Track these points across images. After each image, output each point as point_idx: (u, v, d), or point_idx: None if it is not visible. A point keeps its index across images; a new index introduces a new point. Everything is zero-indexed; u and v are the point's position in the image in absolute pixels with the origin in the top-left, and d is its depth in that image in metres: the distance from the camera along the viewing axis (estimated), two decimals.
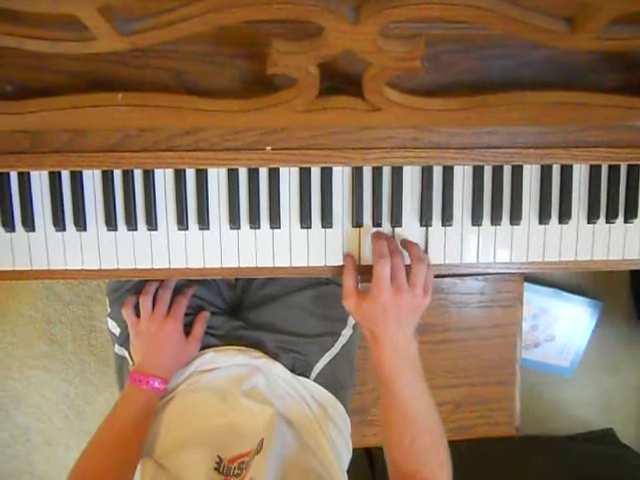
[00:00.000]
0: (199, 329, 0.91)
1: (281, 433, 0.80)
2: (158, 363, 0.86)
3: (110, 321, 0.98)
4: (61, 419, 1.68)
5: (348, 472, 0.91)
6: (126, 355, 0.95)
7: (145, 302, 0.88)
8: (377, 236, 0.76)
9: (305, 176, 0.77)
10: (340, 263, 0.80)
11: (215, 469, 0.76)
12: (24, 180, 0.76)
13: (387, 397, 0.74)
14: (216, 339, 0.93)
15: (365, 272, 0.77)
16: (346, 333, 0.97)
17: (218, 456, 0.77)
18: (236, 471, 0.76)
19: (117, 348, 0.97)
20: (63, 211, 0.77)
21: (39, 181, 0.77)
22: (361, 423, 1.13)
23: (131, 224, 0.78)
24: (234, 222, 0.78)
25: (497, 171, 0.78)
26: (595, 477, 1.25)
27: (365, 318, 0.74)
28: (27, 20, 0.57)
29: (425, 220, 0.79)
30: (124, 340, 0.95)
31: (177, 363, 0.89)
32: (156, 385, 0.84)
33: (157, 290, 0.90)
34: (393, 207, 0.78)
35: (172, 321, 0.87)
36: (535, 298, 1.57)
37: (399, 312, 0.72)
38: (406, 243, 0.78)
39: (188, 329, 0.91)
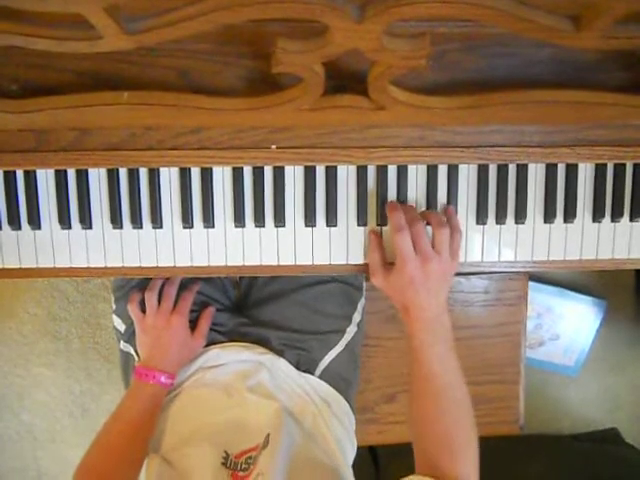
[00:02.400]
0: (204, 324, 0.91)
1: (287, 428, 0.80)
2: (164, 358, 0.86)
3: (115, 318, 0.98)
4: (66, 416, 1.68)
5: (352, 470, 0.91)
6: (131, 351, 0.95)
7: (151, 298, 0.88)
8: (392, 208, 0.75)
9: (310, 175, 0.77)
10: (344, 262, 0.80)
11: (222, 464, 0.76)
12: (30, 178, 0.77)
13: (418, 370, 0.72)
14: (221, 336, 0.94)
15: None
16: (351, 330, 0.97)
17: (225, 451, 0.78)
18: (243, 466, 0.76)
19: (122, 344, 0.97)
20: (69, 209, 0.78)
21: (45, 179, 0.77)
22: (365, 421, 1.13)
23: (136, 222, 0.78)
24: (239, 220, 0.78)
25: (502, 170, 0.78)
26: (599, 477, 1.25)
27: (395, 291, 0.73)
28: (33, 19, 0.57)
29: None
30: (129, 336, 0.95)
31: (183, 358, 0.89)
32: (162, 380, 0.84)
33: (162, 286, 0.90)
34: None
35: (178, 317, 0.88)
36: (540, 297, 1.56)
37: (428, 281, 0.71)
38: (425, 213, 0.76)
39: (193, 325, 0.91)
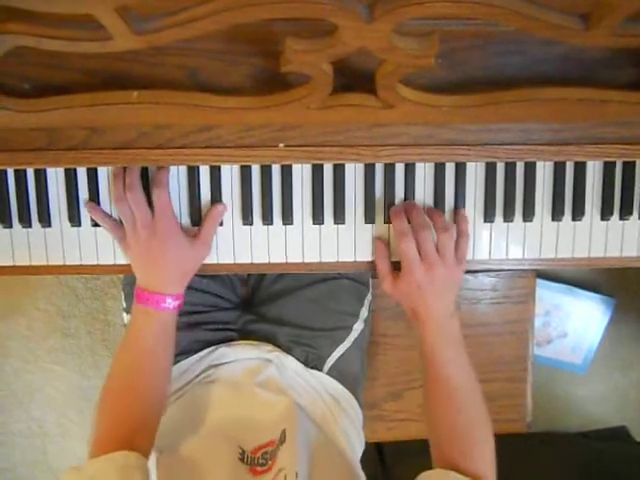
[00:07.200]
0: (209, 226, 0.76)
1: (301, 423, 0.80)
2: (163, 278, 0.74)
3: (126, 316, 0.99)
4: (75, 412, 1.70)
5: None
6: None
7: (123, 209, 0.74)
8: (395, 213, 0.76)
9: (318, 173, 0.78)
10: (352, 259, 0.80)
11: (239, 459, 0.76)
12: (40, 177, 0.77)
13: (431, 372, 0.74)
14: (230, 333, 0.94)
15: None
16: (358, 327, 0.97)
17: (240, 447, 0.77)
18: (261, 461, 0.76)
19: None
20: (79, 207, 0.78)
21: (55, 178, 0.78)
22: (372, 418, 1.14)
23: None
24: (247, 218, 0.78)
25: (510, 168, 0.78)
26: (607, 475, 1.25)
27: (403, 297, 0.75)
28: (44, 19, 0.57)
29: None
30: None
31: (186, 271, 0.76)
32: (167, 305, 0.73)
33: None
34: None
35: (162, 220, 0.73)
36: (548, 294, 1.56)
37: (434, 286, 0.72)
38: (431, 213, 0.76)
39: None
